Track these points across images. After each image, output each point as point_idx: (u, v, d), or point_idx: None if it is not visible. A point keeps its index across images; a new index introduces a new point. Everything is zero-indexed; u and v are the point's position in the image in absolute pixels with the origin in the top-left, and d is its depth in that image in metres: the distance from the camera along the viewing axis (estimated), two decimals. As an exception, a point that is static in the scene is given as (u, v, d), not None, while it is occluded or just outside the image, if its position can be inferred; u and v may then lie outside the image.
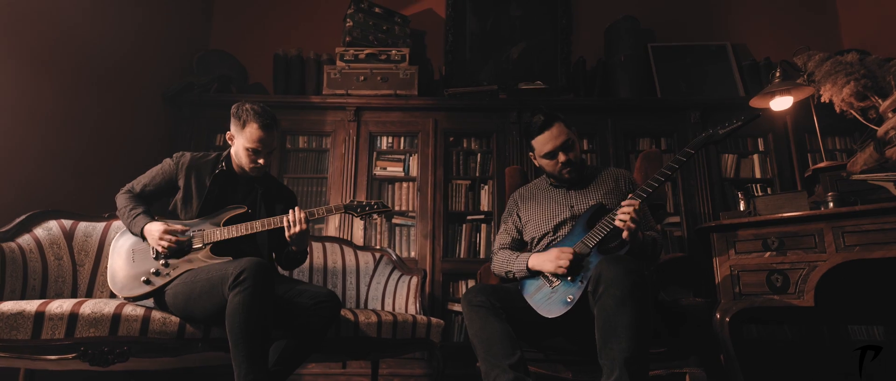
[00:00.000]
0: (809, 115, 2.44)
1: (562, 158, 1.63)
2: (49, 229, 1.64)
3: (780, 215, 1.58)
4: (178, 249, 1.50)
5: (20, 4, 1.96)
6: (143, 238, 1.53)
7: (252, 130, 1.54)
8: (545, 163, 1.68)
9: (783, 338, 2.49)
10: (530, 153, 1.73)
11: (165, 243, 1.48)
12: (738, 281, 1.57)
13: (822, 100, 1.87)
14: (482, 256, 2.78)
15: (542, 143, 1.63)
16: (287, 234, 1.54)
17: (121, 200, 1.63)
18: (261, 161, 1.58)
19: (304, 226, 1.53)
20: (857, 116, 1.78)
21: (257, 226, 1.55)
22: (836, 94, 1.75)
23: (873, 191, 1.53)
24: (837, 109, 1.82)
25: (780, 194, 1.64)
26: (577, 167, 1.66)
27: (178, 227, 1.52)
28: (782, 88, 2.06)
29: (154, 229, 1.50)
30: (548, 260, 1.50)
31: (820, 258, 1.48)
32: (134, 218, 1.55)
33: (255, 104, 1.58)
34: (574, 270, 1.46)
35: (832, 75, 1.74)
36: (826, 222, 1.53)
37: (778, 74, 2.05)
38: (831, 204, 1.56)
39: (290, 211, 1.55)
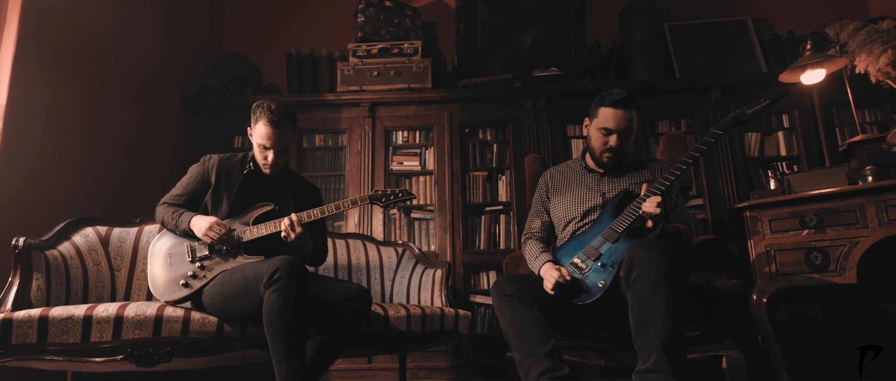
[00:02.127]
0: (836, 88, 2.38)
1: (613, 142, 1.59)
2: (86, 236, 1.69)
3: (819, 191, 1.55)
4: (226, 241, 1.53)
5: (47, 19, 2.00)
6: (191, 233, 1.55)
7: (261, 126, 1.56)
8: (596, 135, 1.63)
9: (814, 318, 2.45)
10: (586, 118, 1.69)
11: (213, 234, 1.51)
12: (773, 260, 1.55)
13: (857, 71, 1.81)
14: (502, 247, 2.78)
15: (608, 117, 1.58)
16: (287, 241, 1.54)
17: (160, 210, 1.66)
18: (270, 158, 1.59)
19: (299, 230, 1.53)
20: (894, 86, 1.72)
21: (285, 223, 1.56)
22: (872, 63, 1.70)
23: (914, 163, 1.50)
24: (873, 80, 1.76)
25: (815, 169, 1.60)
26: (619, 158, 1.64)
27: (225, 224, 1.55)
28: (814, 61, 2.01)
29: (203, 222, 1.53)
30: (545, 276, 1.48)
31: (862, 234, 1.45)
32: (180, 216, 1.59)
33: (272, 102, 1.60)
34: (569, 292, 1.44)
35: (868, 44, 1.69)
36: (868, 197, 1.49)
37: (809, 47, 1.99)
38: (870, 178, 1.52)
39: (285, 219, 1.54)
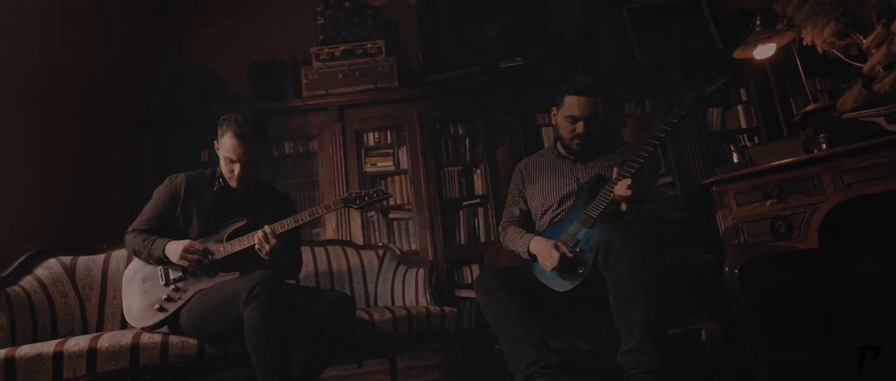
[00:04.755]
0: (787, 59, 2.48)
1: (580, 129, 1.62)
2: (50, 268, 1.61)
3: (777, 162, 1.61)
4: (202, 262, 1.49)
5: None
6: (165, 260, 1.50)
7: (227, 139, 1.53)
8: (563, 123, 1.66)
9: (784, 282, 2.56)
10: (553, 106, 1.72)
11: (191, 258, 1.46)
12: (741, 232, 1.62)
13: (805, 43, 1.90)
14: (483, 240, 2.80)
15: (573, 104, 1.62)
16: (262, 254, 1.50)
17: (130, 239, 1.57)
18: (237, 171, 1.54)
19: (274, 241, 1.49)
20: (840, 55, 1.81)
21: (258, 235, 1.52)
22: (817, 35, 1.79)
23: (864, 127, 1.58)
24: (820, 51, 1.85)
25: (773, 142, 1.67)
26: (587, 143, 1.66)
27: (199, 246, 1.50)
28: (764, 36, 2.10)
29: (177, 246, 1.48)
30: (544, 254, 1.49)
31: (820, 200, 1.53)
32: (152, 244, 1.52)
33: (239, 115, 1.56)
34: (567, 267, 1.46)
35: (812, 17, 1.77)
36: (823, 164, 1.56)
37: (758, 23, 2.08)
38: (824, 146, 1.60)
39: (258, 232, 1.50)
